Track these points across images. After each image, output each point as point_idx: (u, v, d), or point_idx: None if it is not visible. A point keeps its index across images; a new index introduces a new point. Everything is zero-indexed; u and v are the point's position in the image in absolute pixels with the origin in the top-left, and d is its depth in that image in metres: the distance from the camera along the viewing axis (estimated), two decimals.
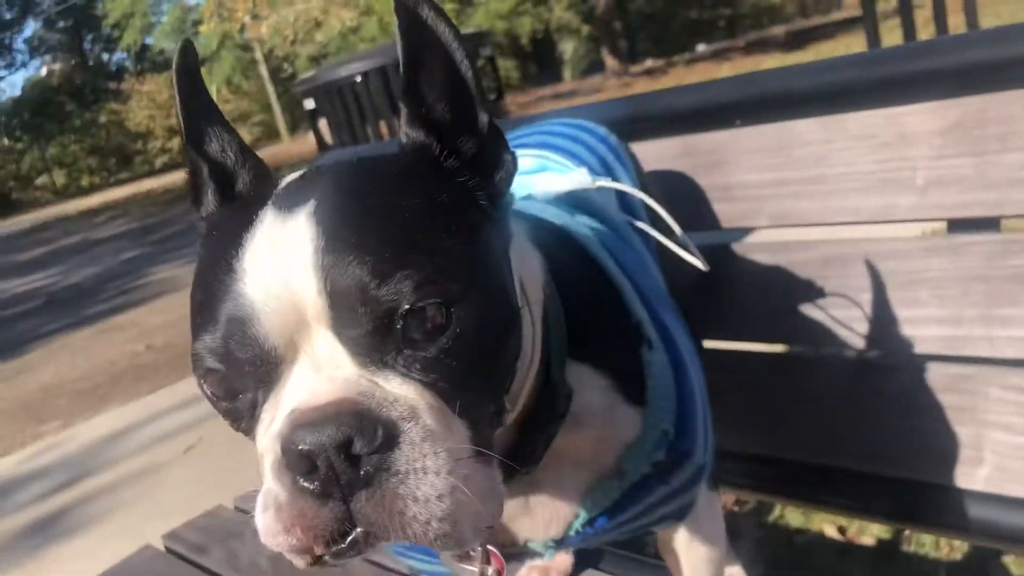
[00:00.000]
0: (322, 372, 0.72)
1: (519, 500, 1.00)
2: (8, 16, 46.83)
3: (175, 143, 41.86)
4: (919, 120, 1.27)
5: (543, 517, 1.01)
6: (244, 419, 0.78)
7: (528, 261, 0.93)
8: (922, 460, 1.34)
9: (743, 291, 1.53)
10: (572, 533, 1.03)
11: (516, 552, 1.04)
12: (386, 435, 0.69)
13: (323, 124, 5.32)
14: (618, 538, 1.12)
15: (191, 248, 11.96)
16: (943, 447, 1.32)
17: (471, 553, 0.98)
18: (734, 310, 1.54)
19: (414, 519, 0.70)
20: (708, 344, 1.55)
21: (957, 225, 1.32)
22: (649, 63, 24.72)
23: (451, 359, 0.74)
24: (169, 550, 2.02)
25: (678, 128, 1.58)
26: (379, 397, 0.71)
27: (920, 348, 1.34)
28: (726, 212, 1.54)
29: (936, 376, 1.33)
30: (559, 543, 1.04)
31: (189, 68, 0.86)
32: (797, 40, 20.51)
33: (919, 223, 1.33)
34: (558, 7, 22.90)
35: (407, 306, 0.71)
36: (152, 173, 39.20)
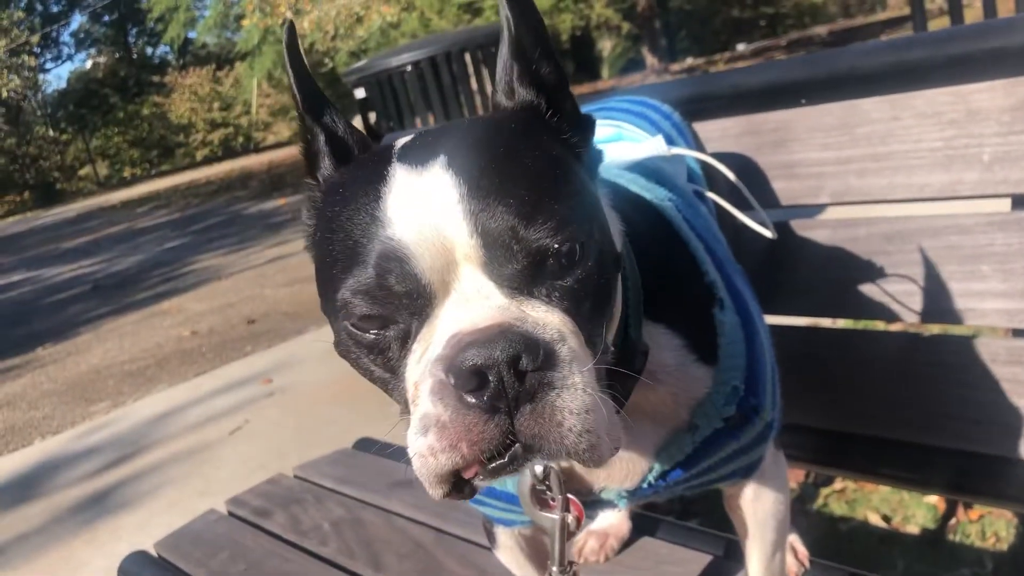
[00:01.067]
0: (475, 302, 0.79)
1: None
2: (55, 9, 47.67)
3: (216, 136, 42.40)
4: (987, 97, 1.29)
5: (619, 469, 1.06)
6: (392, 351, 0.83)
7: (610, 219, 0.98)
8: (980, 432, 1.36)
9: (804, 266, 1.56)
10: (645, 485, 1.07)
11: (593, 500, 1.09)
12: (546, 352, 0.76)
13: (372, 115, 5.41)
14: (689, 492, 1.17)
15: (233, 238, 12.18)
16: (1002, 419, 1.34)
17: (551, 501, 1.02)
18: (795, 285, 1.57)
19: (570, 430, 0.76)
20: (769, 319, 1.58)
21: (1022, 201, 1.34)
22: (689, 61, 24.62)
23: (582, 290, 0.82)
24: (232, 514, 2.09)
25: (743, 107, 1.61)
26: (532, 321, 0.78)
27: (981, 321, 1.36)
28: (788, 190, 1.58)
29: (996, 349, 1.35)
30: (632, 494, 1.09)
31: (294, 45, 0.93)
32: (840, 39, 20.34)
33: (983, 200, 1.36)
34: (598, 4, 22.84)
35: (555, 245, 0.79)
36: (193, 165, 39.70)
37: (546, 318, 0.79)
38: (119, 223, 19.50)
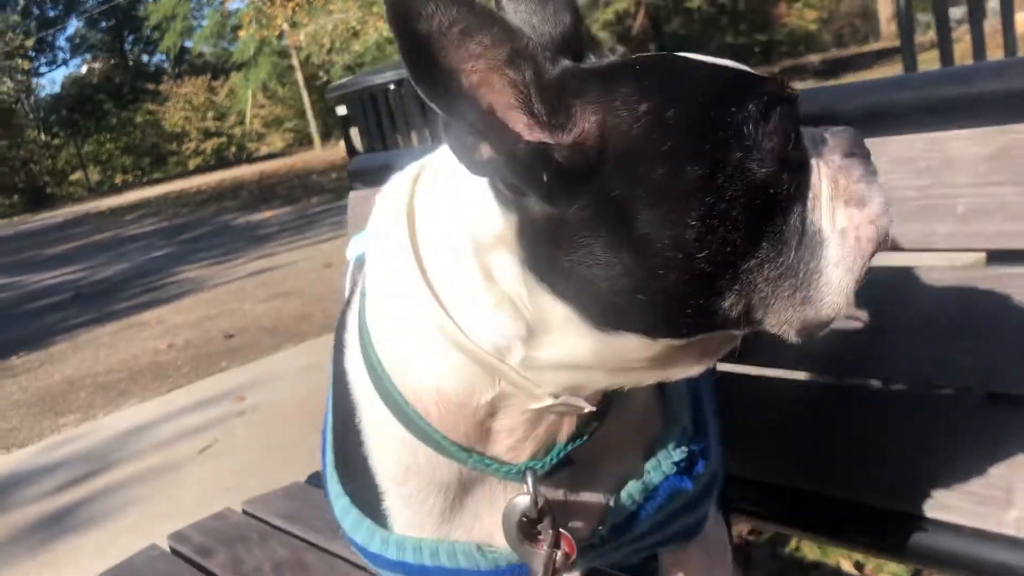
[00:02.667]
0: None
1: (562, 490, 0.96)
2: (52, 14, 47.67)
3: (209, 145, 42.37)
4: (963, 145, 1.23)
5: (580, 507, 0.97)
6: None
7: None
8: (949, 499, 1.29)
9: None
10: (597, 540, 1.00)
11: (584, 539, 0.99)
12: None
13: (354, 132, 5.32)
14: (629, 557, 1.08)
15: (218, 249, 12.10)
16: (972, 488, 1.27)
17: (539, 537, 0.93)
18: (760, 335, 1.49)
19: None
20: (732, 368, 1.51)
21: (997, 256, 1.28)
22: None
23: None
24: (174, 551, 2.00)
25: None
26: None
27: (954, 382, 1.29)
28: None
29: (968, 412, 1.28)
30: (581, 553, 0.99)
31: None
32: (833, 69, 20.45)
33: (956, 253, 1.29)
34: (594, 26, 22.97)
35: None
36: (185, 174, 39.58)
37: None
38: (106, 230, 19.38)
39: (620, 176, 0.72)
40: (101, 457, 4.77)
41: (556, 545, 0.92)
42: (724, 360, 1.25)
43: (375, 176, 2.19)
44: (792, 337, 0.78)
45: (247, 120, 40.97)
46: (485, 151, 0.72)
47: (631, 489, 0.97)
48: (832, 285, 0.77)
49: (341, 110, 5.41)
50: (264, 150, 43.56)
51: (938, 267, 1.33)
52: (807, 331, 0.78)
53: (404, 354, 0.85)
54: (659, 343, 0.77)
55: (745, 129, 0.73)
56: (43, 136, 45.64)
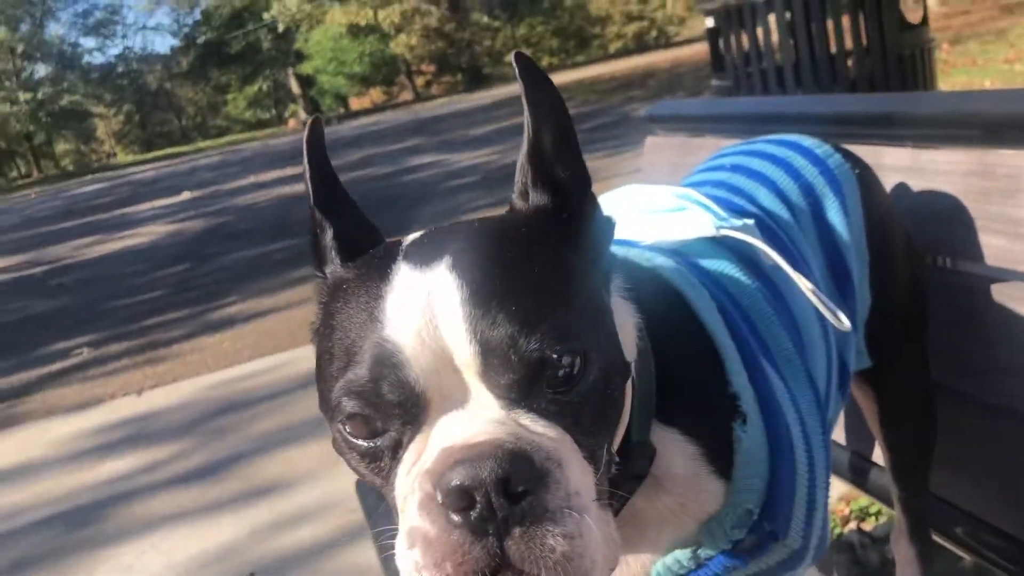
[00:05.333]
0: (470, 414, 0.77)
1: None
2: None
3: (630, 29, 43.13)
4: None
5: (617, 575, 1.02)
6: (384, 460, 0.81)
7: (622, 315, 0.94)
8: None
9: (1004, 344, 1.33)
10: None
11: None
12: (539, 472, 0.74)
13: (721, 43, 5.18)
14: None
15: (613, 141, 12.49)
16: None
17: None
18: (990, 361, 1.35)
19: (563, 555, 0.73)
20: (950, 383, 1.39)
21: None
22: None
23: (584, 405, 0.79)
24: None
25: (980, 140, 1.38)
26: (527, 438, 0.75)
27: None
28: (1007, 251, 1.33)
29: None
30: None
31: (316, 140, 0.96)
32: None
33: None
34: None
35: (554, 356, 0.77)
36: (605, 58, 40.81)
37: (543, 433, 0.77)
38: (519, 115, 20.69)
39: None
40: None
41: None
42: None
43: (676, 125, 2.22)
44: None
45: (669, 2, 40.85)
46: None
47: (669, 561, 1.00)
48: None
49: (709, 22, 5.27)
50: (684, 34, 43.27)
51: None
52: None
53: None
54: None
55: None
56: (485, 18, 49.44)
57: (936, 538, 1.44)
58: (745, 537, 0.99)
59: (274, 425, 4.67)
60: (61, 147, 59.48)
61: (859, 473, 1.65)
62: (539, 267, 0.83)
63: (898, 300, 1.39)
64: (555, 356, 0.76)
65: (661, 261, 1.11)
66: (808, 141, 1.43)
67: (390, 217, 10.51)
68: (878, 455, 1.50)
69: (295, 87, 54.34)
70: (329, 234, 0.95)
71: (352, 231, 0.96)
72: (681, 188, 1.27)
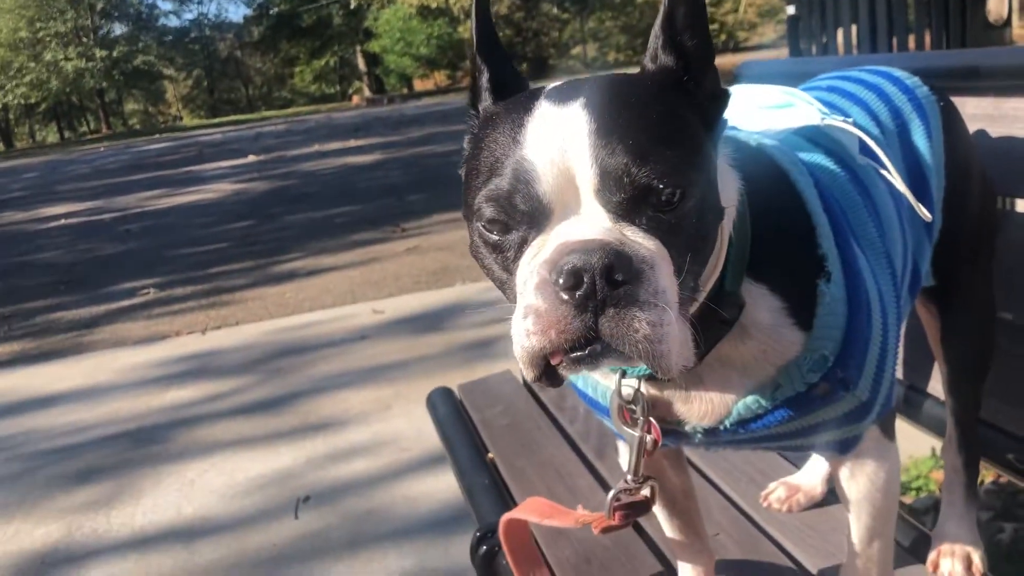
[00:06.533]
0: (584, 221, 0.93)
1: (680, 388, 1.15)
2: None
3: None
4: None
5: (699, 407, 1.15)
6: (510, 252, 0.98)
7: (725, 178, 1.06)
8: None
9: None
10: (722, 428, 1.16)
11: (671, 428, 1.19)
12: (636, 270, 0.89)
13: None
14: (773, 447, 1.22)
15: None
16: None
17: (637, 420, 1.14)
18: None
19: (645, 338, 0.88)
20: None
21: None
22: None
23: (678, 228, 0.94)
24: (523, 379, 2.44)
25: None
26: (629, 243, 0.90)
27: None
28: None
29: None
30: (708, 434, 1.18)
31: (485, 3, 1.10)
32: None
33: None
34: None
35: (659, 184, 0.91)
36: None
37: (642, 243, 0.91)
38: None
39: None
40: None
41: (648, 430, 1.13)
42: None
43: (764, 83, 2.30)
44: None
45: (741, 7, 40.50)
46: None
47: (761, 395, 1.11)
48: None
49: (790, 10, 5.30)
50: (754, 40, 42.90)
51: None
52: None
53: None
54: None
55: None
56: (555, 9, 49.53)
57: (985, 464, 1.52)
58: (819, 382, 1.10)
59: (330, 370, 4.85)
60: (130, 106, 60.91)
61: (912, 405, 1.74)
62: (656, 114, 0.97)
63: (968, 227, 1.48)
64: (659, 184, 0.91)
65: (766, 141, 1.24)
66: (899, 72, 1.54)
67: (455, 189, 10.66)
68: (932, 387, 1.59)
69: (361, 64, 54.98)
70: (485, 76, 1.10)
71: (503, 76, 1.11)
72: (789, 88, 1.39)
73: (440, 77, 53.61)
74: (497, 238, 0.98)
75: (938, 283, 1.49)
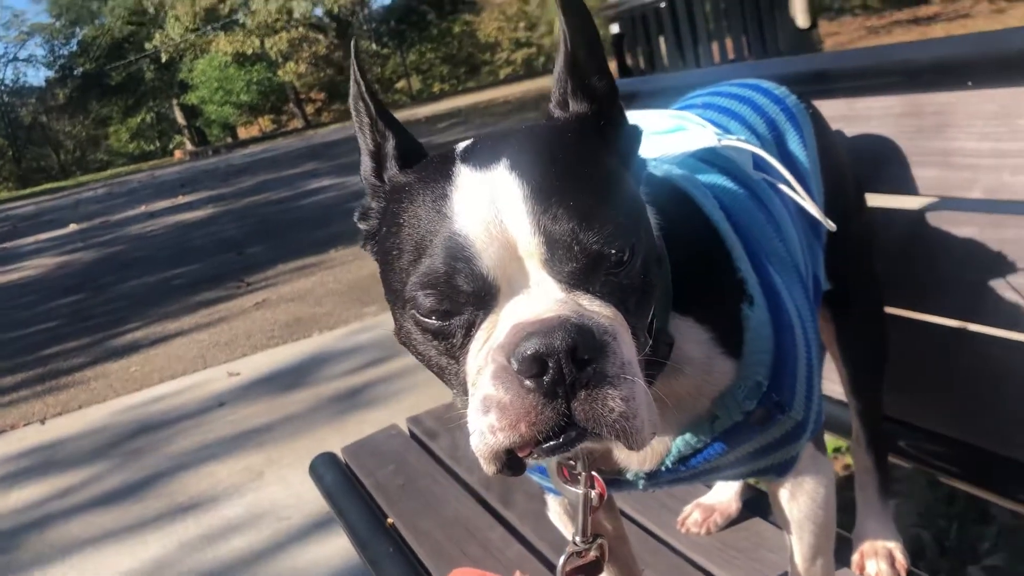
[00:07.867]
0: (535, 296, 0.85)
1: None
2: None
3: (519, 55, 43.78)
4: None
5: (639, 452, 1.08)
6: (455, 339, 0.89)
7: None
8: None
9: (942, 264, 1.45)
10: (663, 468, 1.11)
11: (614, 479, 1.13)
12: (599, 343, 0.82)
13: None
14: (713, 479, 1.18)
15: None
16: None
17: (578, 477, 1.09)
18: (932, 282, 1.47)
19: (621, 415, 0.82)
20: (899, 311, 1.51)
21: None
22: None
23: (631, 287, 0.89)
24: (411, 431, 2.33)
25: (907, 86, 1.51)
26: (587, 315, 0.84)
27: None
28: (940, 179, 1.46)
29: None
30: (651, 476, 1.13)
31: (361, 61, 1.02)
32: None
33: None
34: None
35: (610, 248, 0.85)
36: (496, 84, 41.34)
37: (599, 311, 0.85)
38: (420, 137, 20.75)
39: None
40: (394, 345, 5.37)
41: (591, 485, 1.08)
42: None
43: (644, 103, 2.29)
44: None
45: (556, 28, 41.67)
46: None
47: (699, 429, 1.08)
48: None
49: (614, 28, 5.46)
50: None
51: None
52: None
53: None
54: None
55: None
56: (374, 46, 49.48)
57: (893, 458, 1.54)
58: (756, 408, 1.07)
59: (192, 443, 4.55)
60: None
61: None
62: (587, 168, 0.91)
63: (850, 227, 1.49)
64: (609, 249, 0.85)
65: (670, 169, 1.21)
66: (767, 83, 1.55)
67: (296, 236, 10.42)
68: (828, 388, 1.60)
69: (180, 118, 53.02)
70: (392, 143, 1.02)
71: (405, 142, 1.03)
72: (676, 111, 1.36)
73: (265, 122, 52.42)
74: (438, 324, 0.89)
75: (832, 286, 1.50)
